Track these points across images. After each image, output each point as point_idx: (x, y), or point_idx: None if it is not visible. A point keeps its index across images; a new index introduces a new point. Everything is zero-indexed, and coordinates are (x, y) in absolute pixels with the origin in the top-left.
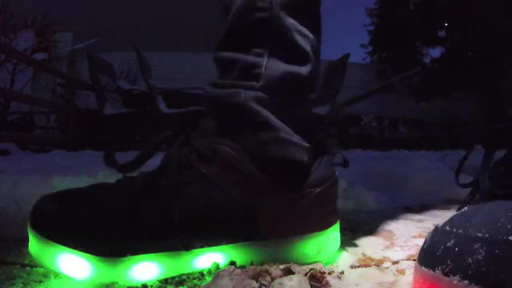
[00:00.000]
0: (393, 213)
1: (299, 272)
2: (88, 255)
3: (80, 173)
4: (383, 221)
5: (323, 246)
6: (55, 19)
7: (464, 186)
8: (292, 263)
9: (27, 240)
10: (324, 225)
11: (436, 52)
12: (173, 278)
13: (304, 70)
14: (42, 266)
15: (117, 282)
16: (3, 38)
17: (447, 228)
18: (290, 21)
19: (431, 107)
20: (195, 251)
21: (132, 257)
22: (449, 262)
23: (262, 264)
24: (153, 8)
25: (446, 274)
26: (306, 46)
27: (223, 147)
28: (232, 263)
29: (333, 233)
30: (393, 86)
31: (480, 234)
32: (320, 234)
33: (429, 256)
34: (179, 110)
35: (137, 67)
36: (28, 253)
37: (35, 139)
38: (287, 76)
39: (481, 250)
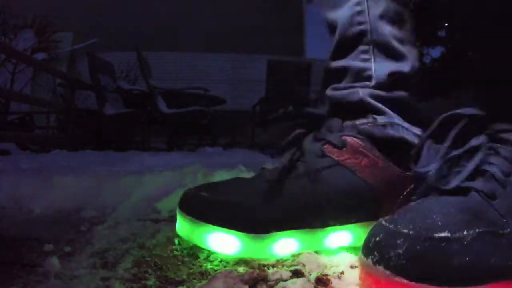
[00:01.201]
0: None
1: (309, 273)
2: (237, 232)
3: (80, 173)
4: None
5: None
6: (55, 19)
7: (419, 174)
8: (301, 265)
9: (27, 240)
10: None
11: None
12: (173, 278)
13: (405, 67)
14: (42, 266)
15: (259, 256)
16: (3, 38)
17: (383, 222)
18: (387, 28)
19: (431, 107)
20: (328, 229)
21: (274, 233)
22: (376, 253)
23: (272, 266)
24: (153, 8)
25: (374, 263)
26: (402, 48)
27: (351, 138)
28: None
29: None
30: None
31: (405, 230)
32: None
33: (365, 247)
34: (179, 110)
35: (137, 67)
36: (28, 253)
37: (35, 139)
38: (393, 74)
39: (403, 245)
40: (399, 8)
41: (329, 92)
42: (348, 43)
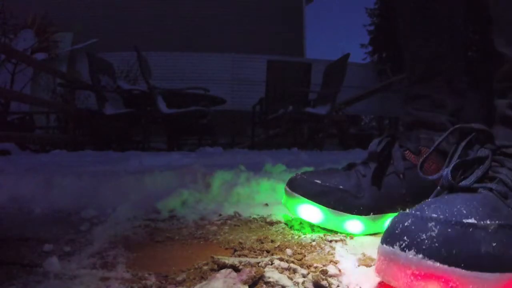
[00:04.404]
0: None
1: (308, 272)
2: (322, 206)
3: (80, 173)
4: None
5: None
6: (55, 19)
7: (428, 179)
8: (301, 264)
9: (27, 240)
10: None
11: None
12: (173, 278)
13: (465, 103)
14: (42, 266)
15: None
16: (3, 38)
17: (407, 211)
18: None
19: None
20: None
21: (380, 215)
22: (405, 238)
23: (264, 266)
24: (153, 8)
25: (403, 249)
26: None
27: (424, 147)
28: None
29: None
30: (393, 86)
31: (435, 215)
32: None
33: (389, 235)
34: (179, 110)
35: (137, 67)
36: (28, 253)
37: (35, 139)
38: (458, 105)
39: (434, 228)
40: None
41: (412, 111)
42: (429, 75)
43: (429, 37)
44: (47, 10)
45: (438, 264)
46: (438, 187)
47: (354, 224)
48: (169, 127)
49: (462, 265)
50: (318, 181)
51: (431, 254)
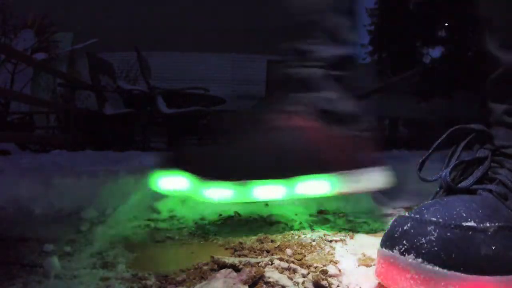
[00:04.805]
0: (393, 213)
1: (308, 272)
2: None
3: (80, 173)
4: (383, 221)
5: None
6: (55, 19)
7: (426, 181)
8: (297, 266)
9: (27, 240)
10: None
11: (436, 52)
12: (173, 278)
13: (347, 52)
14: (42, 266)
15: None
16: (3, 38)
17: (406, 214)
18: (337, 18)
19: (431, 107)
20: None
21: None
22: (405, 242)
23: (264, 266)
24: (153, 8)
25: (402, 253)
26: (347, 35)
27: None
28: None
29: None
30: (393, 86)
31: (434, 219)
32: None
33: (388, 239)
34: (179, 110)
35: (137, 67)
36: (28, 253)
37: (35, 139)
38: (337, 56)
39: (434, 232)
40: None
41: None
42: (301, 29)
43: None
44: (47, 10)
45: (437, 268)
46: (437, 188)
47: None
48: (169, 127)
49: (462, 268)
50: None
51: (430, 258)
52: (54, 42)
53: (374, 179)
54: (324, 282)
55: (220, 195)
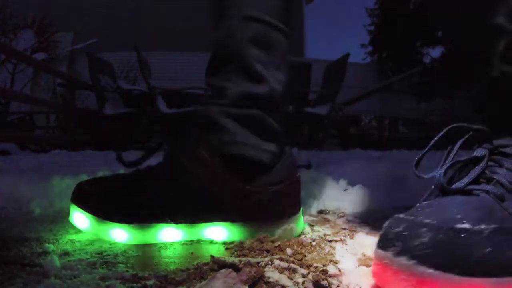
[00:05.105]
0: (393, 213)
1: (308, 272)
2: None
3: (80, 173)
4: (383, 221)
5: (284, 233)
6: (55, 19)
7: (421, 177)
8: (297, 266)
9: (27, 240)
10: (282, 216)
11: (436, 52)
12: (173, 278)
13: (261, 89)
14: (42, 266)
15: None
16: (3, 38)
17: (401, 216)
18: (254, 52)
19: (431, 107)
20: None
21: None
22: (398, 244)
23: (264, 266)
24: (153, 8)
25: (396, 255)
26: (264, 71)
27: (200, 149)
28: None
29: (292, 224)
30: (393, 86)
31: (428, 220)
32: (280, 223)
33: (383, 240)
34: (179, 110)
35: (137, 67)
36: (28, 253)
37: (35, 139)
38: (246, 94)
39: (427, 234)
40: (269, 33)
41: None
42: (219, 61)
43: None
44: (47, 10)
45: (431, 270)
46: (432, 186)
47: None
48: (169, 127)
49: (456, 270)
50: None
51: (424, 260)
52: (54, 42)
53: (285, 229)
54: (324, 282)
55: (124, 237)
